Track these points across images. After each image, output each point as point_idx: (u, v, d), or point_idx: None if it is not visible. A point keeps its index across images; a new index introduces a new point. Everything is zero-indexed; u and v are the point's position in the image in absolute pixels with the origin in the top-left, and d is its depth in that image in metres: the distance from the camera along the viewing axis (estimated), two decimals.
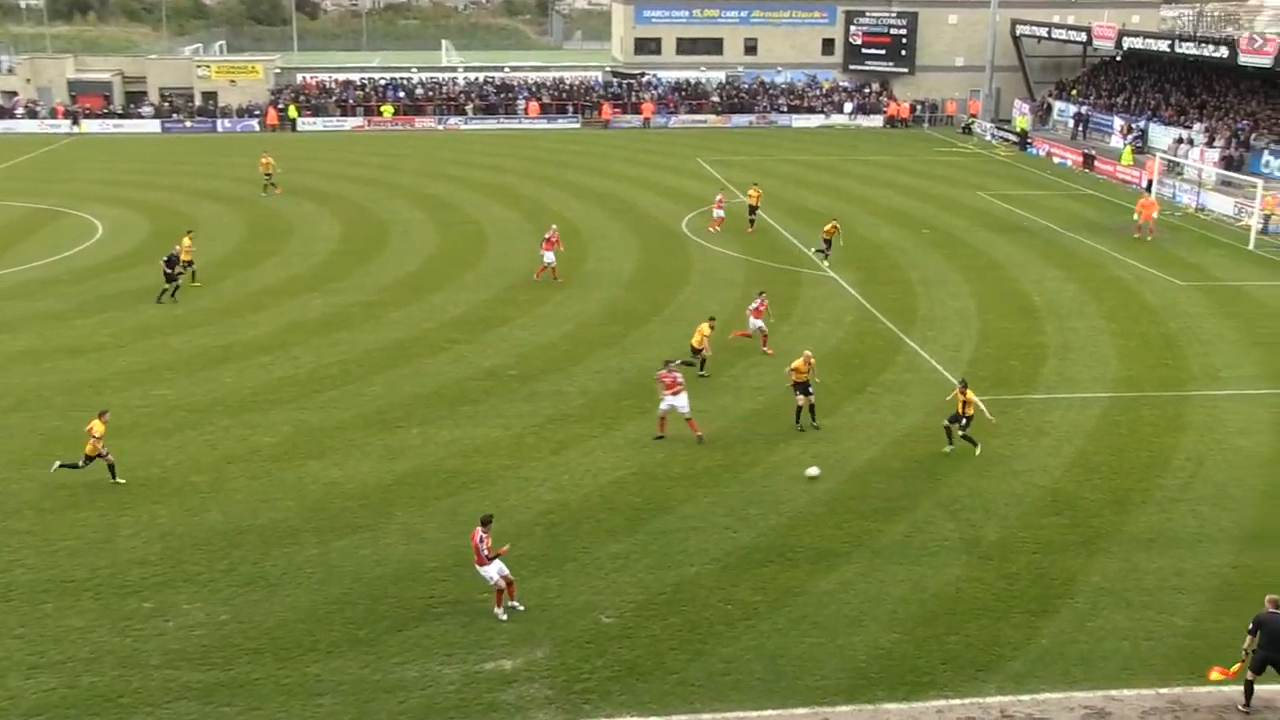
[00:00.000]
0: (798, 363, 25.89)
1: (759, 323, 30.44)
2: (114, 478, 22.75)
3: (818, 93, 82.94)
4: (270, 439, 24.91)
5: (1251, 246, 46.64)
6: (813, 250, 38.63)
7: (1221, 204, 53.98)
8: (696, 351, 28.10)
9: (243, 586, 19.36)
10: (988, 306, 36.28)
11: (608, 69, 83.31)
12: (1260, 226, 48.53)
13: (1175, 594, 19.66)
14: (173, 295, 33.98)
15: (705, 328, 28.25)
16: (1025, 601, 19.26)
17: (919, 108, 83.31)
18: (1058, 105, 79.31)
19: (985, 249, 44.95)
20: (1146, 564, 20.60)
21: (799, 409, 25.60)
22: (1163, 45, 67.88)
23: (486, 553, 18.23)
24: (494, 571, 18.40)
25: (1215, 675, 16.65)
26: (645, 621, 18.48)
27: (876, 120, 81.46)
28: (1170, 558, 20.84)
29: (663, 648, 17.83)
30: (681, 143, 69.20)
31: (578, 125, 77.17)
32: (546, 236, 37.04)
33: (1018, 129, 75.53)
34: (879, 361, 30.68)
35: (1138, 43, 70.47)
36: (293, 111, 73.72)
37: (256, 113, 73.48)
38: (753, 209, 44.93)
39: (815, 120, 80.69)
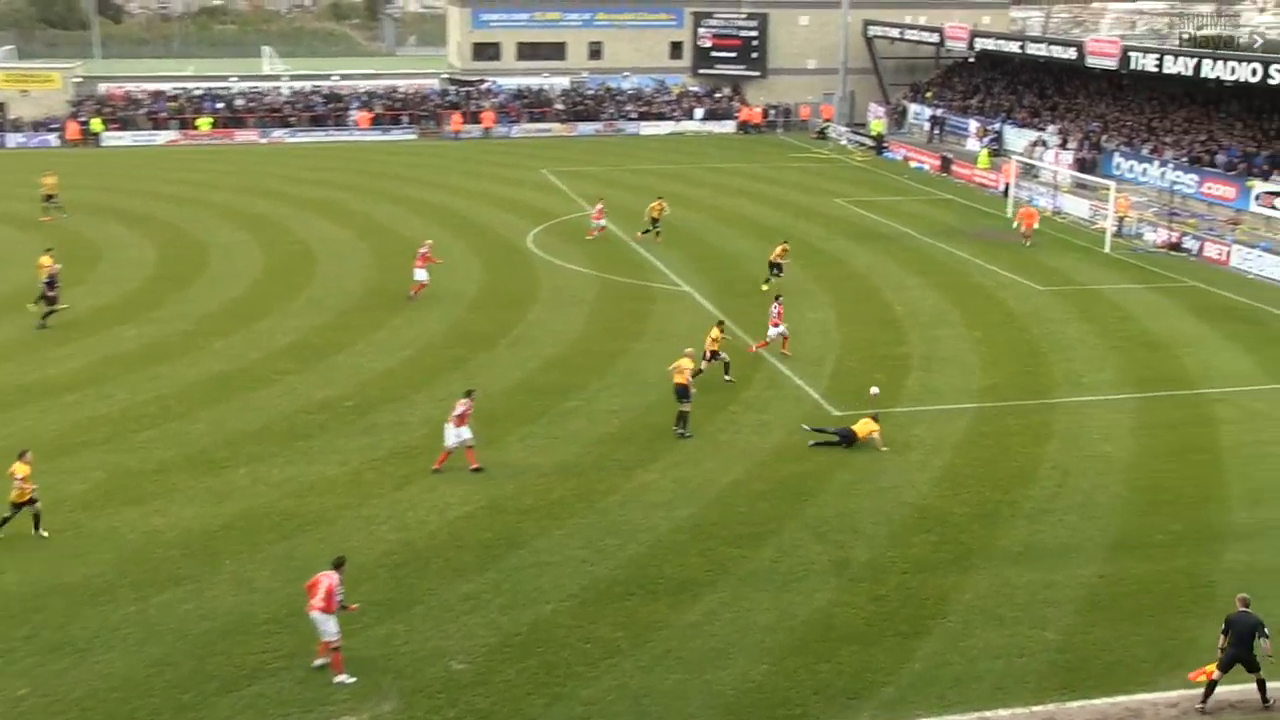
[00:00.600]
0: (683, 361, 26.54)
1: (780, 329, 31.64)
2: (38, 530, 21.76)
3: (667, 98, 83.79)
4: (79, 486, 24.02)
5: (1107, 249, 48.55)
6: (765, 281, 38.56)
7: (1077, 207, 56.07)
8: (714, 355, 29.11)
9: (46, 655, 18.51)
10: (849, 317, 37.03)
11: (444, 76, 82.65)
12: (1114, 229, 50.50)
13: (1046, 608, 20.16)
14: (43, 318, 33.58)
15: (715, 332, 29.28)
16: (897, 624, 19.54)
17: (772, 112, 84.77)
18: (913, 108, 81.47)
19: (844, 258, 45.78)
20: (1017, 579, 21.09)
21: (681, 414, 26.29)
22: (1013, 46, 70.53)
23: (341, 599, 17.80)
24: (335, 626, 17.92)
25: (1199, 678, 17.31)
26: (500, 666, 18.26)
27: (728, 126, 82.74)
28: (1040, 571, 21.36)
29: (519, 693, 17.60)
30: (525, 153, 68.72)
31: (414, 136, 76.10)
32: (421, 252, 37.44)
33: (873, 133, 77.38)
34: (739, 378, 30.91)
35: (989, 44, 72.91)
36: (96, 124, 70.39)
37: (54, 126, 70.54)
38: (654, 220, 45.61)
39: (665, 127, 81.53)
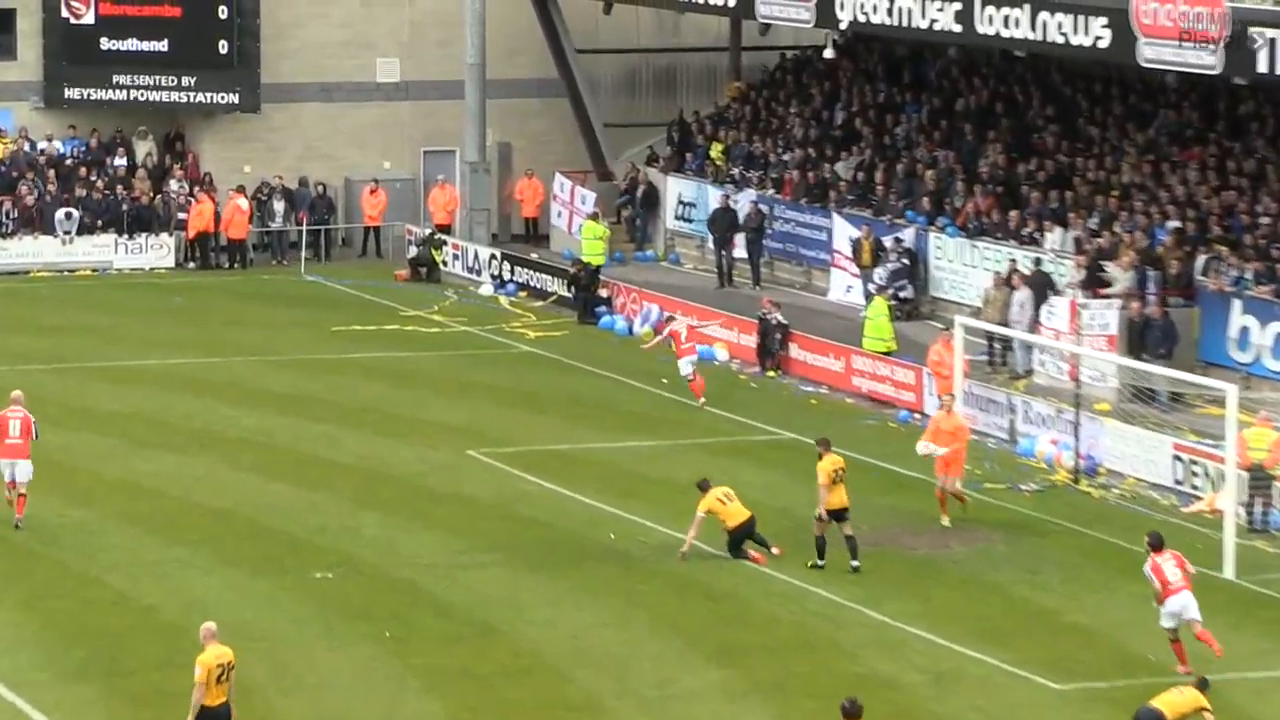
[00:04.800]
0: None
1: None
2: None
3: None
4: None
5: (1230, 572, 50.81)
6: None
7: (1139, 456, 59.21)
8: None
9: None
10: None
11: None
12: (1247, 513, 53.41)
13: None
14: None
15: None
16: None
17: (280, 208, 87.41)
18: (675, 186, 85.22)
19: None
20: None
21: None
22: (943, 19, 72.74)
23: None
24: None
25: None
26: None
27: (159, 251, 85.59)
28: None
29: None
30: None
31: None
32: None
33: (585, 256, 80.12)
34: None
35: (878, 14, 74.62)
36: None
37: None
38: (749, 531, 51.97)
39: None
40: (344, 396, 67.95)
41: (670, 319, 66.31)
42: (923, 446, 56.10)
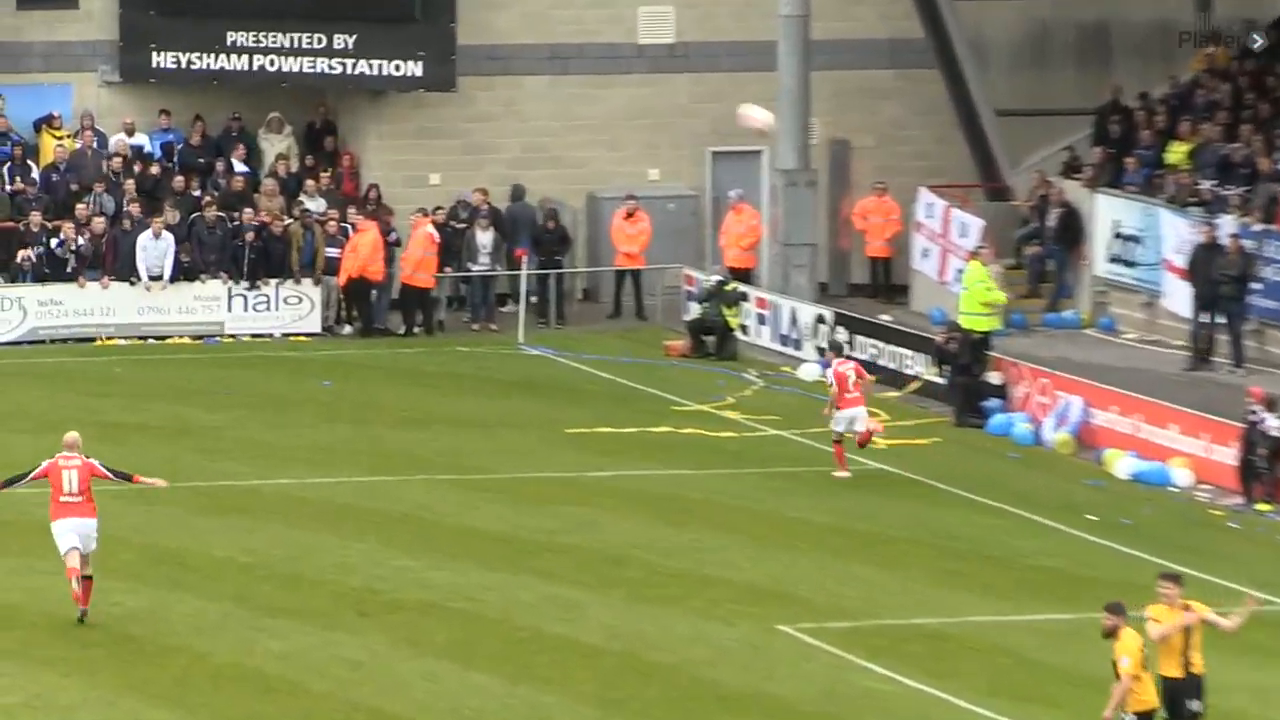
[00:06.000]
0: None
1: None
2: None
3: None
4: None
5: None
6: None
7: None
8: None
9: None
10: None
11: None
12: None
13: None
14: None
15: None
16: None
17: (487, 243, 79.83)
18: (1111, 210, 76.21)
19: None
20: None
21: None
22: None
23: None
24: None
25: None
26: None
27: (301, 305, 78.95)
28: None
29: None
30: None
31: None
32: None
33: (961, 322, 72.27)
34: None
35: None
36: None
37: None
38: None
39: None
40: (586, 538, 59.37)
41: (839, 349, 62.16)
42: None
